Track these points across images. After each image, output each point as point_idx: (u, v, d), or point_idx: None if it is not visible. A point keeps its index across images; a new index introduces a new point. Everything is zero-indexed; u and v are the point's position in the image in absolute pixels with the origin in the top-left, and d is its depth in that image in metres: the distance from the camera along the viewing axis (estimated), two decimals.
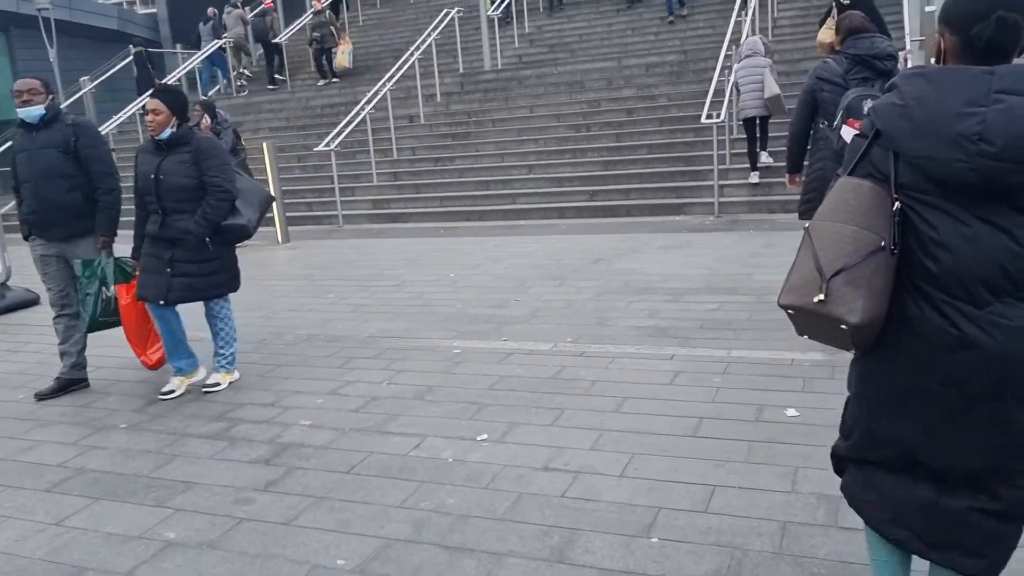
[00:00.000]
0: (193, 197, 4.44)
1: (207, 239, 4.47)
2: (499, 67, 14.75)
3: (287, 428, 4.03)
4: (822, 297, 1.69)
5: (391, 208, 11.45)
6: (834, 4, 10.66)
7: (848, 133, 4.19)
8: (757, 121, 9.35)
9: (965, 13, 1.65)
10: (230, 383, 4.73)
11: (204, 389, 4.64)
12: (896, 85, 1.71)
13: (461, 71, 14.78)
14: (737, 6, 11.78)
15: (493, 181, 11.26)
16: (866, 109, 2.24)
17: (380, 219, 11.23)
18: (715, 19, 13.96)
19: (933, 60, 1.76)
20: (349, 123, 11.84)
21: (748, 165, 9.69)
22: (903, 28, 10.46)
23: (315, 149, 11.48)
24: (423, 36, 14.02)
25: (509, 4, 15.59)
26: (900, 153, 1.68)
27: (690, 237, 8.31)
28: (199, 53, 16.97)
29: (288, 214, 11.71)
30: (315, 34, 16.25)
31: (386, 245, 9.41)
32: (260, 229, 4.97)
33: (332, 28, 16.10)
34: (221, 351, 4.76)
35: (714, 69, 12.12)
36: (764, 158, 9.68)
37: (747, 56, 9.36)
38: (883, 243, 1.67)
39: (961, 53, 1.67)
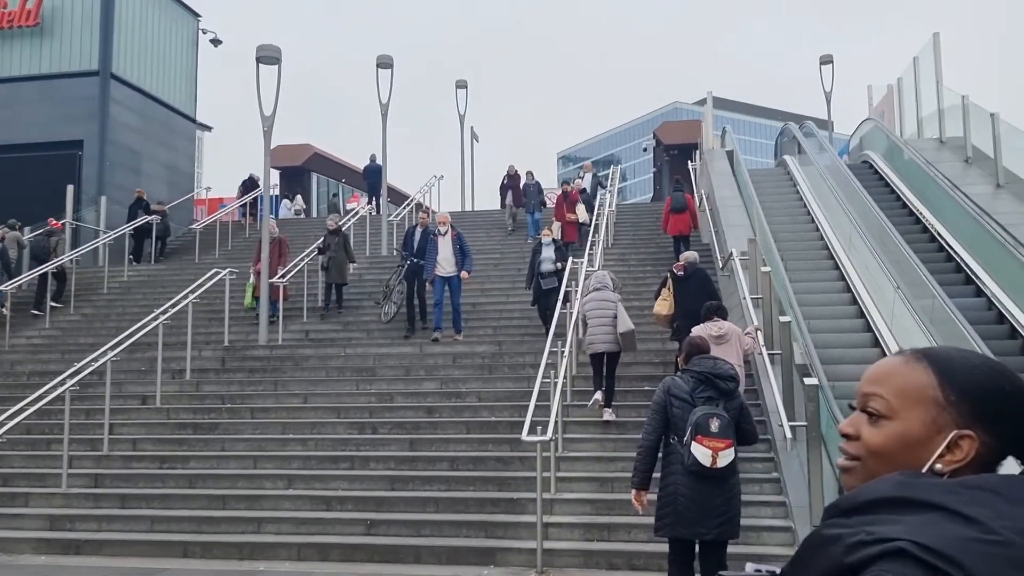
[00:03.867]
0: None
1: None
2: (279, 342, 12.14)
3: None
4: None
5: (76, 530, 7.83)
6: (669, 276, 9.48)
7: (698, 450, 4.44)
8: (605, 358, 8.72)
9: None
10: None
11: None
12: (948, 507, 1.02)
13: (226, 343, 11.99)
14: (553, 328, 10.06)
15: (234, 497, 8.08)
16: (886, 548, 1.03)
17: (53, 548, 7.55)
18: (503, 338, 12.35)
19: (943, 468, 1.09)
20: (38, 400, 8.46)
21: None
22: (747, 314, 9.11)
23: None
24: (177, 297, 11.28)
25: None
26: None
27: None
28: None
29: None
30: None
31: None
32: None
33: None
34: None
35: (534, 366, 10.18)
36: (608, 416, 8.71)
37: (596, 289, 8.91)
38: None
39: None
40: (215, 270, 12.31)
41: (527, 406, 8.99)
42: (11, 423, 8.02)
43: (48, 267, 14.74)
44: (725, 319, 8.07)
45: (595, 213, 16.10)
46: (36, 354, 12.37)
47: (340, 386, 10.38)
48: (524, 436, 6.84)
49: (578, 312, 9.31)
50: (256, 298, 12.78)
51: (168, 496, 8.20)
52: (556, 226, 14.68)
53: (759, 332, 8.58)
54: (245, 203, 21.87)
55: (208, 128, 26.88)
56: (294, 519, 7.66)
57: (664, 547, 5.29)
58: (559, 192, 17.89)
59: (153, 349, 10.62)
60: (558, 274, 11.70)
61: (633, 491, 4.81)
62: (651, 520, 5.30)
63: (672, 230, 14.28)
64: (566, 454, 8.23)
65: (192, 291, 11.35)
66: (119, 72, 19.87)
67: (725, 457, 4.48)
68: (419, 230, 12.68)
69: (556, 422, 7.48)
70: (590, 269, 11.13)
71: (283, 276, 12.82)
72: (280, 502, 7.97)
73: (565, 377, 8.66)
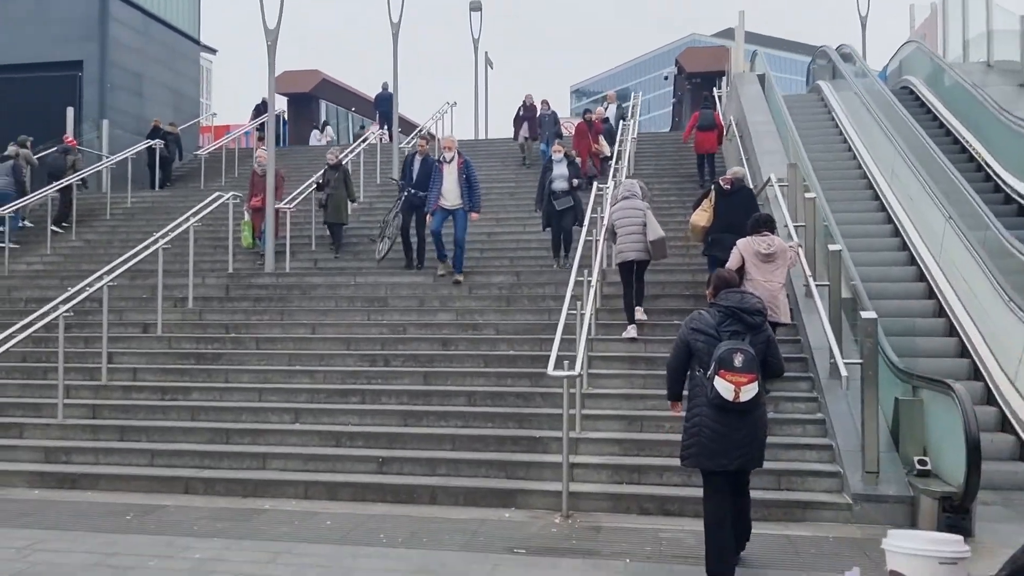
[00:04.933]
0: None
1: None
2: (286, 270, 11.57)
3: None
4: None
5: (73, 463, 7.41)
6: (713, 188, 9.10)
7: (721, 384, 4.50)
8: (634, 267, 8.67)
9: None
10: None
11: None
12: None
13: (230, 271, 11.43)
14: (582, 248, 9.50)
15: (238, 431, 7.61)
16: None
17: (47, 481, 7.12)
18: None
19: None
20: (28, 326, 7.96)
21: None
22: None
23: None
24: (178, 220, 10.66)
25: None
26: None
27: (524, 569, 5.01)
28: None
29: None
30: None
31: (9, 549, 5.39)
32: None
33: None
34: None
35: (554, 297, 9.61)
36: (640, 315, 8.73)
37: (625, 198, 8.84)
38: None
39: None
40: (218, 194, 11.67)
41: (547, 339, 8.50)
42: (0, 349, 7.50)
43: (69, 181, 14.54)
44: (774, 232, 7.60)
45: (617, 141, 15.30)
46: (35, 279, 11.88)
47: (350, 316, 9.84)
48: (550, 370, 6.27)
49: (607, 221, 9.12)
50: (256, 236, 12.07)
51: (169, 429, 7.74)
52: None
53: (801, 247, 8.04)
54: (259, 128, 21.12)
55: (213, 51, 25.84)
56: (301, 455, 7.18)
57: (698, 491, 5.07)
58: (579, 120, 16.88)
59: (155, 276, 10.07)
60: (572, 193, 11.00)
61: (670, 403, 5.15)
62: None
63: (699, 148, 14.22)
64: (591, 391, 7.69)
65: (194, 214, 10.73)
66: None
67: (748, 391, 4.50)
68: (418, 158, 11.33)
69: (583, 357, 6.89)
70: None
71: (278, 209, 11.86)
72: (286, 437, 7.50)
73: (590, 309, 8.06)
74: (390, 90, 19.61)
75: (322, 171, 12.69)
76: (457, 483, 6.64)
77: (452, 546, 5.40)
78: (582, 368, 6.86)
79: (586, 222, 9.72)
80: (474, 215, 10.51)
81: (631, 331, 8.55)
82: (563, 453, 6.19)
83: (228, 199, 11.47)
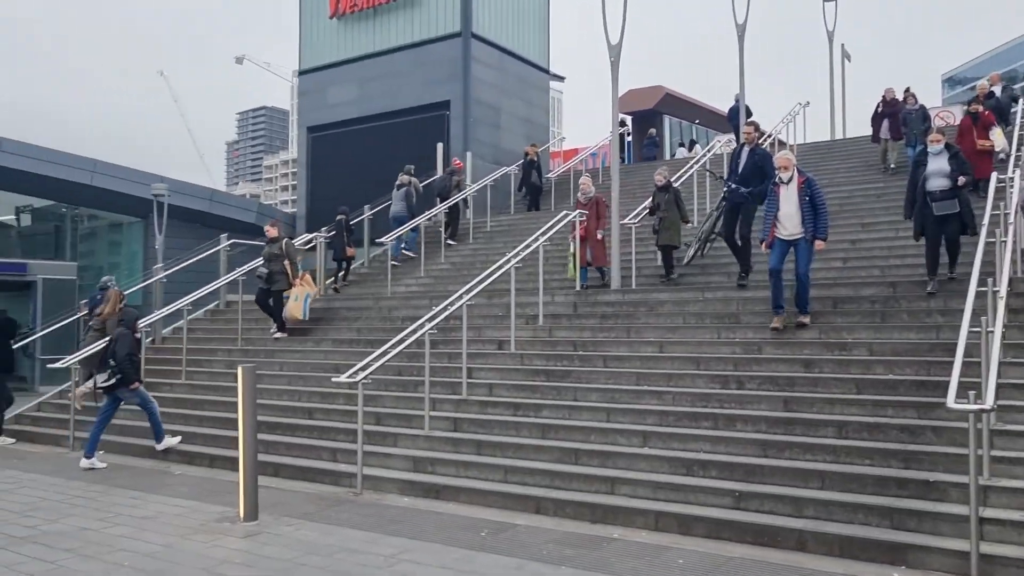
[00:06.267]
0: None
1: None
2: (632, 286, 11.34)
3: None
4: None
5: (435, 474, 7.80)
6: None
7: None
8: None
9: None
10: None
11: None
12: None
13: (578, 288, 11.48)
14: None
15: (587, 452, 7.42)
16: None
17: (415, 490, 7.57)
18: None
19: None
20: (399, 343, 8.59)
21: None
22: None
23: (334, 380, 8.19)
24: (530, 239, 10.96)
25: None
26: None
27: None
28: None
29: (298, 462, 8.47)
30: (262, 269, 12.48)
31: (379, 556, 5.69)
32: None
33: (286, 264, 12.43)
34: None
35: (942, 312, 8.16)
36: None
37: None
38: None
39: None
40: (564, 212, 11.86)
41: (936, 362, 7.27)
42: (376, 364, 8.19)
43: (451, 202, 16.43)
44: None
45: (1017, 125, 12.74)
46: (410, 300, 13.07)
47: (699, 334, 9.25)
48: (950, 402, 5.08)
49: (1016, 197, 8.08)
50: (581, 267, 11.72)
51: (521, 446, 7.81)
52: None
53: None
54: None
55: (561, 78, 27.00)
56: (650, 482, 6.75)
57: None
58: (964, 115, 14.07)
59: (508, 294, 10.43)
60: (957, 194, 8.72)
61: None
62: None
63: None
64: (1003, 427, 6.21)
65: (542, 234, 10.97)
66: (478, 31, 20.53)
67: None
68: (746, 149, 10.42)
69: (993, 385, 5.54)
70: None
71: (602, 237, 11.55)
72: (635, 461, 7.13)
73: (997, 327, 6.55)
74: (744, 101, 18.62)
75: (652, 195, 12.01)
76: (829, 529, 5.70)
77: None
78: (993, 400, 5.52)
79: (984, 221, 8.04)
80: (819, 244, 8.64)
81: None
82: (970, 504, 5.00)
83: (574, 216, 11.57)
